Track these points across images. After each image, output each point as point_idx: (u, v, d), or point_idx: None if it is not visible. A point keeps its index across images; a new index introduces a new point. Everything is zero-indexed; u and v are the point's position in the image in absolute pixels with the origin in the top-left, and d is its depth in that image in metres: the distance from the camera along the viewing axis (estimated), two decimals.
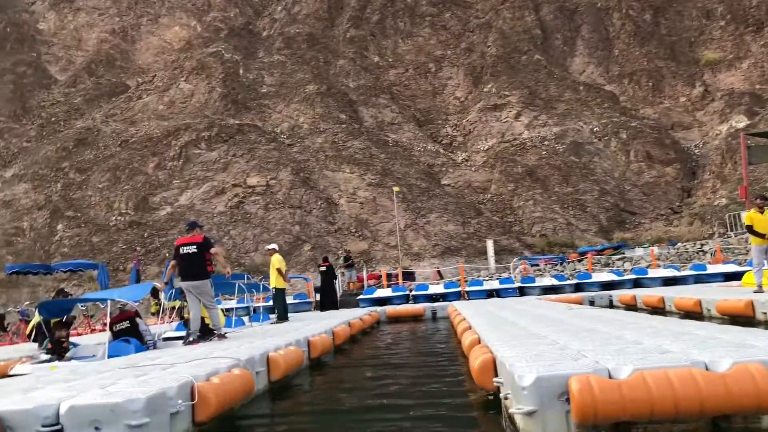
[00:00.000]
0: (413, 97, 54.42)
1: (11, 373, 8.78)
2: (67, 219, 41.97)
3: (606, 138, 46.43)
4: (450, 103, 53.67)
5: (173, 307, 17.21)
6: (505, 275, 28.53)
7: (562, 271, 28.29)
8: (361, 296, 24.89)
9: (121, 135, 49.52)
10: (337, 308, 21.42)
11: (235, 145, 45.37)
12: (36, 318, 11.48)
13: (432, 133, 50.99)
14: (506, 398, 4.83)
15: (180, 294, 12.75)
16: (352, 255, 31.28)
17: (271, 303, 18.28)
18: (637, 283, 23.19)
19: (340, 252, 35.54)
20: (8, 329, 16.72)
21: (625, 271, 25.90)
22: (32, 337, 12.64)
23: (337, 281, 24.19)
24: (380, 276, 28.89)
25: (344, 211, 41.10)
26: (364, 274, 29.38)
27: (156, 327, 13.11)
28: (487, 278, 28.27)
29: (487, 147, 47.74)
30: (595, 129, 47.13)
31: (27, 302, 21.66)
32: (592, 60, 55.28)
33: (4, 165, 49.64)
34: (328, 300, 21.63)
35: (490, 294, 23.87)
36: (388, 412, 5.88)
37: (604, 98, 50.46)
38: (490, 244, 33.72)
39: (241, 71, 54.40)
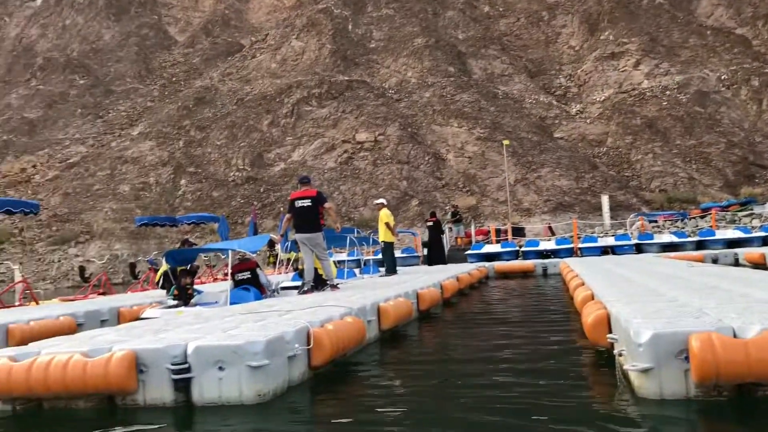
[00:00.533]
0: (525, 48, 52.71)
1: (142, 316, 9.46)
2: (189, 174, 44.36)
3: (735, 86, 43.13)
4: (564, 53, 51.56)
5: (288, 259, 17.92)
6: (620, 232, 27.51)
7: (683, 227, 26.90)
8: (469, 251, 24.82)
9: (237, 93, 51.36)
10: (444, 263, 21.47)
11: (345, 102, 45.92)
12: (164, 267, 12.24)
13: (544, 85, 49.32)
14: (620, 355, 4.70)
15: (295, 246, 13.21)
16: (459, 210, 31.14)
17: (380, 256, 18.60)
18: (766, 241, 21.69)
19: (447, 207, 35.49)
20: (139, 277, 17.97)
21: (753, 228, 24.25)
22: (160, 284, 13.54)
23: (444, 236, 24.20)
24: (489, 231, 28.64)
25: (452, 166, 40.86)
26: (472, 230, 29.21)
27: (273, 277, 13.70)
28: (601, 235, 27.38)
29: (603, 98, 45.66)
30: (723, 77, 43.87)
31: (155, 252, 23.26)
32: (721, 1, 51.11)
33: (131, 124, 52.92)
34: (435, 255, 21.70)
35: (604, 251, 23.16)
36: (496, 365, 5.89)
37: (734, 43, 46.70)
38: (605, 200, 32.55)
39: (350, 27, 54.64)
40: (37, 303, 13.10)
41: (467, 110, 44.02)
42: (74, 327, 9.52)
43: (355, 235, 16.45)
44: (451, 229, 28.27)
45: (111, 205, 42.34)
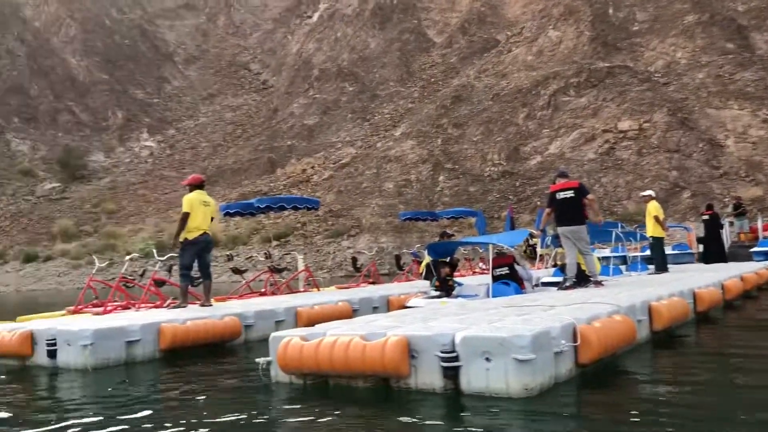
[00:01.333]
0: None
1: (408, 305, 9.98)
2: (446, 171, 45.83)
3: None
4: None
5: (547, 254, 17.59)
6: None
7: None
8: (754, 249, 22.11)
9: (492, 89, 51.75)
10: (724, 261, 19.38)
11: (605, 89, 43.77)
12: (426, 259, 12.77)
13: None
14: None
15: (555, 241, 12.92)
16: (743, 202, 27.87)
17: (647, 253, 17.40)
18: None
19: (727, 199, 32.01)
20: (403, 268, 18.99)
21: None
22: (424, 275, 14.18)
23: (723, 231, 21.83)
24: None
25: (732, 153, 36.72)
26: (759, 224, 25.90)
27: (532, 272, 13.55)
28: None
29: None
30: None
31: (417, 245, 24.41)
32: None
33: (394, 125, 56.21)
34: (713, 251, 19.69)
35: None
36: None
37: None
38: None
39: (610, 11, 51.90)
40: (318, 289, 14.58)
41: (750, 90, 39.16)
42: (350, 312, 10.41)
43: (620, 229, 15.58)
44: (732, 224, 25.45)
45: (377, 201, 45.41)
